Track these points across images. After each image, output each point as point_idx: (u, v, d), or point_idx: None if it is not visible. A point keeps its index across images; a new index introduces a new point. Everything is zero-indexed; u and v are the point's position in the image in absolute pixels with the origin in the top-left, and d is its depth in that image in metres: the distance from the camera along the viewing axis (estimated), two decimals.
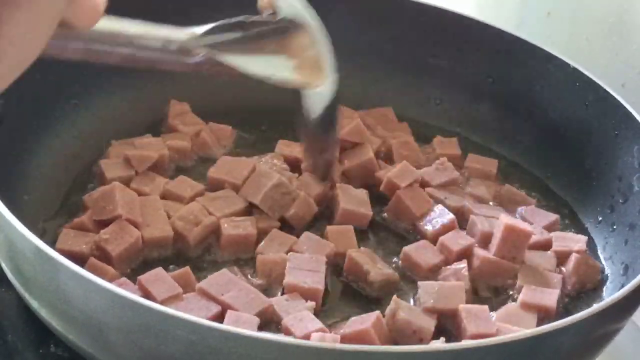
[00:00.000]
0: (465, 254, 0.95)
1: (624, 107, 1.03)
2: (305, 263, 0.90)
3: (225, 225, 0.95)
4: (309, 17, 0.86)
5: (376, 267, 0.92)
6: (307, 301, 0.87)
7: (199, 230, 0.94)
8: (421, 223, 1.00)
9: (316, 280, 0.89)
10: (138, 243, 0.92)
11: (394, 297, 0.88)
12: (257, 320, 0.83)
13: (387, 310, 0.86)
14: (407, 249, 0.96)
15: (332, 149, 0.98)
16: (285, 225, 0.98)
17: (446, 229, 0.98)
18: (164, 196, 0.98)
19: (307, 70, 0.86)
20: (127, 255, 0.91)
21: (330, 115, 0.91)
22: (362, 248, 0.95)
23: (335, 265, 0.95)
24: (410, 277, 0.95)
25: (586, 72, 1.09)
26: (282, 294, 0.89)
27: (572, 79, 1.10)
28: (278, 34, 0.84)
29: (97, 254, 0.90)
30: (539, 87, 1.14)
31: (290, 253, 0.92)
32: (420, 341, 0.85)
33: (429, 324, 0.86)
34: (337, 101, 0.90)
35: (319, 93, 0.88)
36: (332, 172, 1.01)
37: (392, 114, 1.17)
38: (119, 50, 0.73)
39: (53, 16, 0.55)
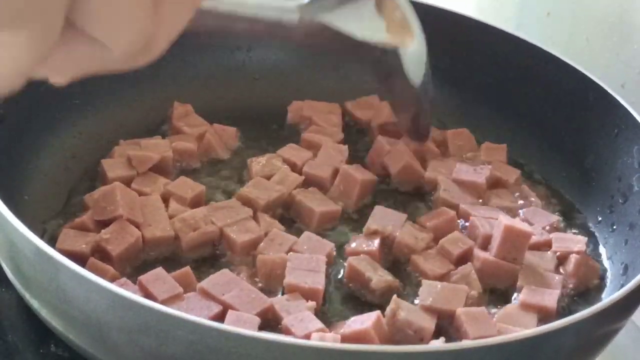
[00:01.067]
0: (465, 257, 0.95)
1: (624, 107, 1.03)
2: (305, 263, 0.90)
3: (233, 232, 0.94)
4: None
5: (377, 274, 0.91)
6: (307, 301, 0.87)
7: (195, 236, 0.94)
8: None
9: (316, 281, 0.89)
10: (138, 243, 0.92)
11: (394, 296, 0.88)
12: (257, 320, 0.83)
13: (387, 310, 0.86)
14: (415, 257, 0.95)
15: (428, 108, 1.03)
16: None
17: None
18: (165, 197, 0.98)
19: (397, 30, 0.91)
20: (127, 255, 0.91)
21: (426, 75, 0.96)
22: (362, 255, 0.93)
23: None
24: (415, 283, 0.94)
25: (586, 72, 1.09)
26: (283, 294, 0.89)
27: (572, 79, 1.10)
28: None
29: (97, 253, 0.90)
30: (539, 87, 1.14)
31: (291, 253, 0.92)
32: (421, 341, 0.85)
33: (429, 324, 0.86)
34: (429, 61, 0.95)
35: (413, 52, 0.93)
36: (428, 131, 1.05)
37: (377, 100, 1.17)
38: (237, 23, 0.79)
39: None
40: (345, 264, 0.93)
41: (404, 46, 0.92)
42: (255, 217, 0.97)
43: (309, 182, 1.04)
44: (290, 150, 1.08)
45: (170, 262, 0.92)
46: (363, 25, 0.89)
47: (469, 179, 1.06)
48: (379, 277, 0.91)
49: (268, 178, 1.03)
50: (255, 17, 0.80)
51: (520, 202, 1.06)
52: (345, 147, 1.10)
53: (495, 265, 0.94)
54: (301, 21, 0.83)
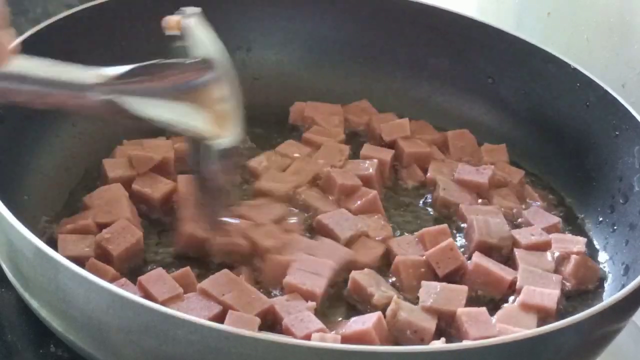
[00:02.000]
0: (457, 273, 0.95)
1: (624, 107, 1.03)
2: (311, 266, 0.90)
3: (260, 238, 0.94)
4: (223, 61, 0.84)
5: (380, 290, 0.90)
6: (307, 301, 0.87)
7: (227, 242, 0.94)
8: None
9: (316, 284, 0.88)
10: (140, 244, 0.92)
11: (395, 297, 0.88)
12: (257, 320, 0.83)
13: (388, 311, 0.86)
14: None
15: (221, 199, 0.92)
16: None
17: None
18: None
19: (217, 122, 0.84)
20: (127, 255, 0.91)
21: (225, 165, 0.87)
22: (366, 269, 0.93)
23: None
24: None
25: (586, 72, 1.09)
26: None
27: (572, 79, 1.10)
28: (191, 83, 0.82)
29: (98, 253, 0.90)
30: (539, 87, 1.14)
31: (299, 254, 0.92)
32: (421, 341, 0.85)
33: (430, 324, 0.86)
34: (235, 153, 0.88)
35: (220, 144, 0.85)
36: (218, 222, 0.94)
37: (370, 106, 1.18)
38: (27, 89, 0.74)
39: None
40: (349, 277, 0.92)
41: (215, 139, 0.84)
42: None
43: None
44: (288, 147, 1.09)
45: (198, 262, 0.93)
46: (175, 110, 0.81)
47: (472, 179, 1.06)
48: (382, 293, 0.89)
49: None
50: (48, 85, 0.75)
51: (523, 203, 1.07)
52: (346, 147, 1.10)
53: (485, 272, 0.94)
54: (101, 100, 0.77)
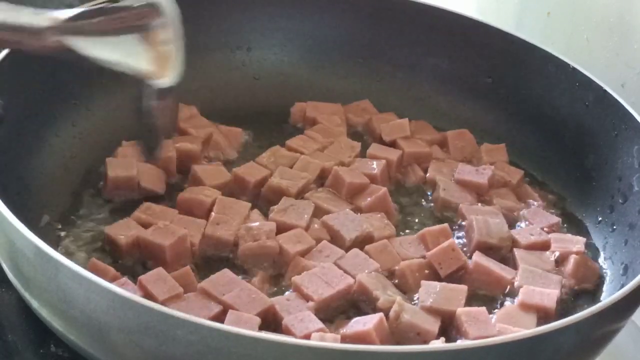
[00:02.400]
0: (457, 273, 0.95)
1: (624, 107, 1.03)
2: (328, 275, 0.90)
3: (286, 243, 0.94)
4: (166, 3, 0.86)
5: (386, 294, 0.90)
6: (307, 301, 0.87)
7: (253, 247, 0.94)
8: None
9: (319, 292, 0.88)
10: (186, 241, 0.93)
11: (398, 298, 0.88)
12: (257, 320, 0.83)
13: (391, 312, 0.86)
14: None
15: (158, 134, 0.96)
16: None
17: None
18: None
19: (159, 62, 0.86)
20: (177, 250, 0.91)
21: (164, 103, 0.90)
22: (372, 273, 0.92)
23: None
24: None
25: (586, 72, 1.09)
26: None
27: (572, 79, 1.10)
28: (138, 25, 0.85)
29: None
30: (539, 87, 1.14)
31: (329, 263, 0.91)
32: (424, 343, 0.85)
33: (433, 326, 0.86)
34: (173, 93, 0.90)
35: (160, 84, 0.87)
36: (158, 149, 0.98)
37: (371, 106, 1.18)
38: None
39: None
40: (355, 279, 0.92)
41: (157, 78, 0.87)
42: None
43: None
44: (297, 141, 1.10)
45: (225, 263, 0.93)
46: (121, 49, 0.85)
47: (472, 180, 1.06)
48: (387, 297, 0.89)
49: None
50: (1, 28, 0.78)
51: (522, 202, 1.07)
52: (358, 144, 1.10)
53: (485, 271, 0.94)
54: (52, 42, 0.80)
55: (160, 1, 0.85)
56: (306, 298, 0.87)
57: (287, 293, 0.89)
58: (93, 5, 0.83)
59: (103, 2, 0.84)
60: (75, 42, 0.80)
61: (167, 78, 0.87)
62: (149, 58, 0.85)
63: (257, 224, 0.95)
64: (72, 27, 0.81)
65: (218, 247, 0.95)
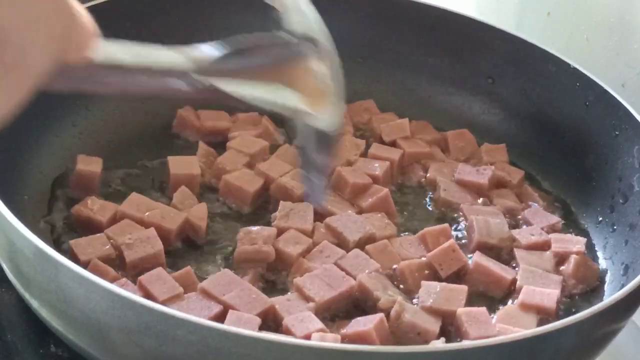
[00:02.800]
0: (457, 274, 0.95)
1: (624, 107, 1.03)
2: (331, 277, 0.89)
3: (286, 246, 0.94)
4: (322, 35, 0.79)
5: (387, 294, 0.89)
6: (308, 302, 0.87)
7: (248, 250, 0.93)
8: None
9: (321, 294, 0.88)
10: (160, 256, 0.91)
11: (399, 298, 0.88)
12: (258, 320, 0.83)
13: (392, 312, 0.86)
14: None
15: (325, 175, 0.86)
16: None
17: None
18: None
19: (314, 99, 0.78)
20: (142, 264, 0.90)
21: (328, 143, 0.81)
22: (373, 273, 0.92)
23: None
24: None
25: (586, 72, 1.09)
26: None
27: (572, 79, 1.10)
28: (287, 57, 0.76)
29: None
30: (539, 87, 1.14)
31: (331, 265, 0.91)
32: (425, 343, 0.85)
33: (434, 326, 0.86)
34: (339, 132, 0.82)
35: (321, 120, 0.79)
36: (324, 197, 0.91)
37: (374, 106, 1.18)
38: (116, 79, 0.66)
39: (36, 77, 0.53)
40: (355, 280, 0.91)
41: (315, 116, 0.78)
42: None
43: None
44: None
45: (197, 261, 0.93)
46: (273, 91, 0.75)
47: (472, 180, 1.06)
48: (388, 297, 0.89)
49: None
50: (138, 72, 0.66)
51: (523, 203, 1.07)
52: (362, 142, 1.10)
53: (486, 272, 0.94)
54: (199, 80, 0.69)
55: (318, 35, 0.78)
56: (307, 299, 0.87)
57: (288, 294, 0.89)
58: (241, 39, 0.73)
59: (250, 35, 0.74)
60: (221, 82, 0.71)
61: (324, 117, 0.78)
62: (303, 96, 0.76)
63: (257, 228, 0.95)
64: (220, 69, 0.71)
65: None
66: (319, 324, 0.83)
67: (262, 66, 0.74)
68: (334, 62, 0.79)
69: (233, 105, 0.79)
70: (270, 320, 0.85)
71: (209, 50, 0.71)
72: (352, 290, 0.90)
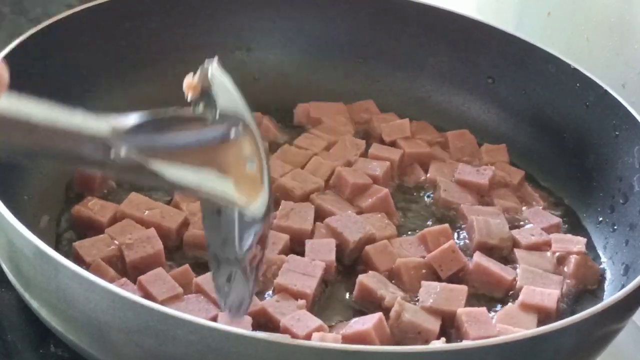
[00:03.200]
0: (457, 274, 0.94)
1: (624, 107, 1.03)
2: (302, 267, 0.90)
3: None
4: (249, 116, 0.73)
5: (389, 292, 0.90)
6: (296, 298, 0.87)
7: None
8: None
9: (307, 284, 0.88)
10: (160, 256, 0.91)
11: (398, 298, 0.88)
12: (249, 319, 0.83)
13: (392, 312, 0.86)
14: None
15: (253, 280, 0.78)
16: None
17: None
18: None
19: (244, 185, 0.72)
20: (143, 264, 0.90)
21: (256, 238, 0.75)
22: (370, 272, 0.92)
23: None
24: None
25: (586, 72, 1.09)
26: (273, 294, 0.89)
27: (572, 79, 1.10)
28: (216, 137, 0.71)
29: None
30: (539, 87, 1.14)
31: (290, 255, 0.92)
32: (425, 343, 0.85)
33: (434, 326, 0.86)
34: (267, 224, 0.76)
35: (251, 212, 0.73)
36: (245, 309, 0.81)
37: (374, 106, 1.18)
38: (17, 139, 0.60)
39: None
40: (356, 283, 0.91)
41: (243, 206, 0.72)
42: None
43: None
44: (305, 140, 1.10)
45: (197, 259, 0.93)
46: (198, 172, 0.69)
47: (472, 180, 1.06)
48: (392, 295, 0.89)
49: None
50: (45, 134, 0.60)
51: (523, 203, 1.07)
52: (362, 142, 1.10)
53: (486, 272, 0.94)
54: (113, 151, 0.63)
55: (246, 114, 0.72)
56: (296, 296, 0.87)
57: (274, 296, 0.88)
58: (160, 111, 0.68)
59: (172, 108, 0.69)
60: (143, 158, 0.65)
61: (256, 205, 0.73)
62: (231, 181, 0.71)
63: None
64: (141, 142, 0.65)
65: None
66: (318, 321, 0.83)
67: (189, 146, 0.70)
68: (260, 142, 0.74)
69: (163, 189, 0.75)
70: (262, 324, 0.85)
71: (128, 119, 0.67)
72: (329, 270, 0.91)
